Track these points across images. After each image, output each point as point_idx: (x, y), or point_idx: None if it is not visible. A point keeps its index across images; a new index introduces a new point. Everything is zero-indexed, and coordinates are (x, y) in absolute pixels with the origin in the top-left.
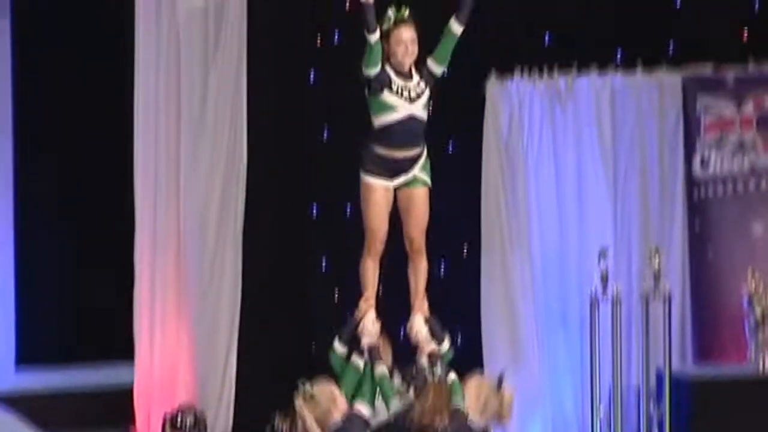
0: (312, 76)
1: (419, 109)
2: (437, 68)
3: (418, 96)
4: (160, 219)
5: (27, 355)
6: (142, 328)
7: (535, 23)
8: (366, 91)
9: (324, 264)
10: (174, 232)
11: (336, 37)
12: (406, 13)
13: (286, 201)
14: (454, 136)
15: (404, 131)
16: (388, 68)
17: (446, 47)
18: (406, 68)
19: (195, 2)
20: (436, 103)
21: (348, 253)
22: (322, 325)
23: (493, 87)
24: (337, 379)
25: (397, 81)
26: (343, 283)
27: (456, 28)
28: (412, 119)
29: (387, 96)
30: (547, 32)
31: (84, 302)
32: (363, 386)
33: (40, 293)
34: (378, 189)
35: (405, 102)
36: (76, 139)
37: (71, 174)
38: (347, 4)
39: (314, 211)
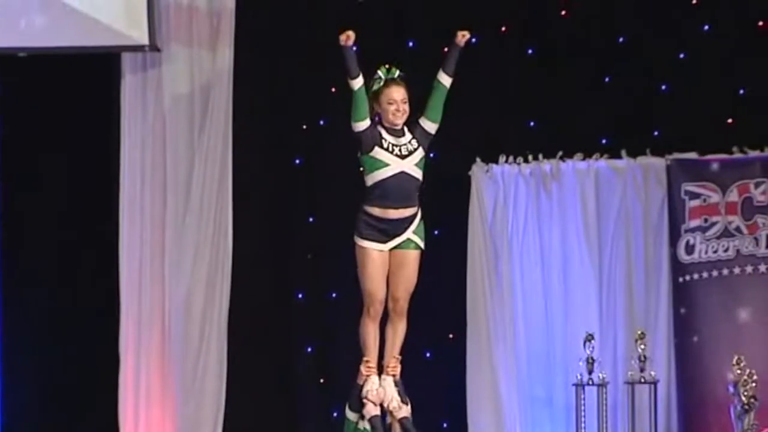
0: (297, 159)
1: (411, 167)
2: (430, 126)
3: (410, 153)
4: (145, 304)
5: None
6: (127, 413)
7: (521, 111)
8: (358, 153)
9: (309, 348)
10: (159, 317)
11: (322, 120)
12: (397, 72)
13: (271, 284)
14: (440, 222)
15: (397, 188)
16: (378, 127)
17: (437, 101)
18: (398, 128)
19: (180, 88)
20: (420, 188)
21: (334, 337)
22: (308, 410)
23: (479, 171)
24: None
25: (388, 138)
26: (329, 367)
27: (445, 79)
28: (404, 176)
29: (378, 152)
30: (533, 120)
31: (67, 385)
32: None
33: (22, 372)
34: (373, 253)
35: (396, 158)
36: (60, 234)
37: (58, 268)
38: (333, 89)
39: (300, 295)
